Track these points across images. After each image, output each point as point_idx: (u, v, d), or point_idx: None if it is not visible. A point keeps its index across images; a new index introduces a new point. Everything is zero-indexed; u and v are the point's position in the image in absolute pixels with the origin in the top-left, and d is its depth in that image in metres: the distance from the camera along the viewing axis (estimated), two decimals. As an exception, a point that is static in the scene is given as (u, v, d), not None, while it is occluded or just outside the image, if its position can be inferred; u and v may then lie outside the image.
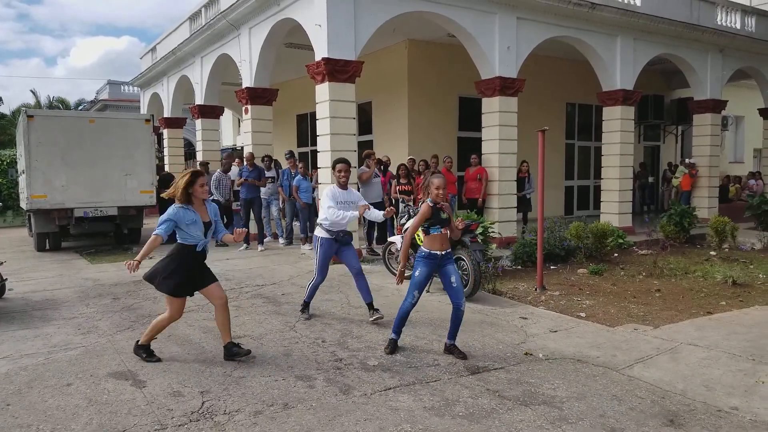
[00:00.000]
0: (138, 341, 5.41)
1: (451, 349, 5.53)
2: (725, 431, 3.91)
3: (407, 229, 5.83)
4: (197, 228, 5.06)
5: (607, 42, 13.70)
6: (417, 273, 5.41)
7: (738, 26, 16.30)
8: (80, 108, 34.96)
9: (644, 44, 14.35)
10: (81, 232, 12.89)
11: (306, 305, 6.84)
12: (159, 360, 5.27)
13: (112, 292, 8.32)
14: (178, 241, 5.14)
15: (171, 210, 5.05)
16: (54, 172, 11.90)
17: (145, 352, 5.33)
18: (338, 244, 6.60)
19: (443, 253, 5.40)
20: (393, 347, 5.60)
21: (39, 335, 6.17)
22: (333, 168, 6.73)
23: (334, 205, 6.43)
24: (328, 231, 6.51)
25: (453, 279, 5.37)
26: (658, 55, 14.76)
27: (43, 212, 12.08)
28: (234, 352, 5.28)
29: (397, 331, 5.65)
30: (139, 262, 4.76)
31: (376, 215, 6.73)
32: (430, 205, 5.34)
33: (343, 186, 6.65)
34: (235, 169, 13.33)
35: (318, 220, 6.68)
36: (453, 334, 5.54)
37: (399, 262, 5.78)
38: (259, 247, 12.10)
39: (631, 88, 14.15)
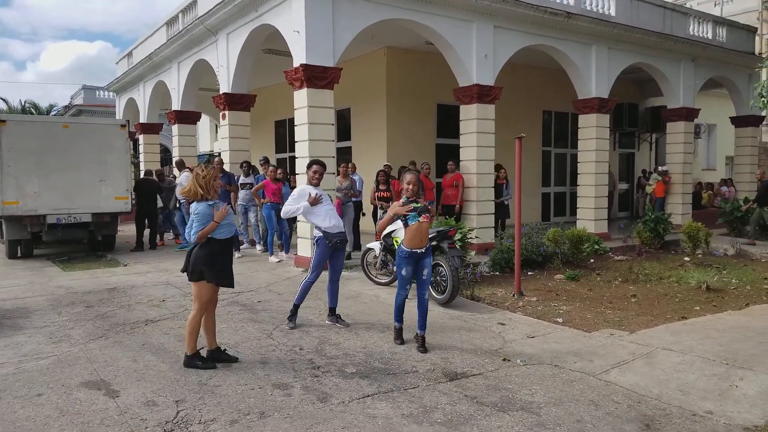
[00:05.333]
0: (186, 354, 5.28)
1: (420, 340, 5.81)
2: (700, 435, 3.94)
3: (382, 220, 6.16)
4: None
5: (583, 51, 13.85)
6: (403, 272, 5.77)
7: (710, 36, 16.62)
8: (53, 113, 34.41)
9: (619, 53, 14.52)
10: (54, 239, 12.67)
11: (295, 310, 6.74)
12: (214, 367, 5.20)
13: (85, 300, 8.18)
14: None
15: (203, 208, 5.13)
16: (27, 177, 11.68)
17: (199, 360, 5.26)
18: (332, 249, 6.61)
19: (423, 250, 5.74)
20: (399, 335, 5.96)
21: (9, 344, 6.03)
22: (308, 168, 6.89)
23: (292, 202, 6.64)
24: (324, 233, 6.54)
25: (425, 272, 5.80)
26: (633, 64, 14.96)
27: (15, 219, 11.82)
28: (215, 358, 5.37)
29: (399, 318, 5.99)
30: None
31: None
32: (402, 201, 5.73)
33: (315, 185, 6.77)
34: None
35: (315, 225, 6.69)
36: (422, 324, 5.84)
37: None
38: (236, 254, 11.98)
39: (606, 97, 14.30)
